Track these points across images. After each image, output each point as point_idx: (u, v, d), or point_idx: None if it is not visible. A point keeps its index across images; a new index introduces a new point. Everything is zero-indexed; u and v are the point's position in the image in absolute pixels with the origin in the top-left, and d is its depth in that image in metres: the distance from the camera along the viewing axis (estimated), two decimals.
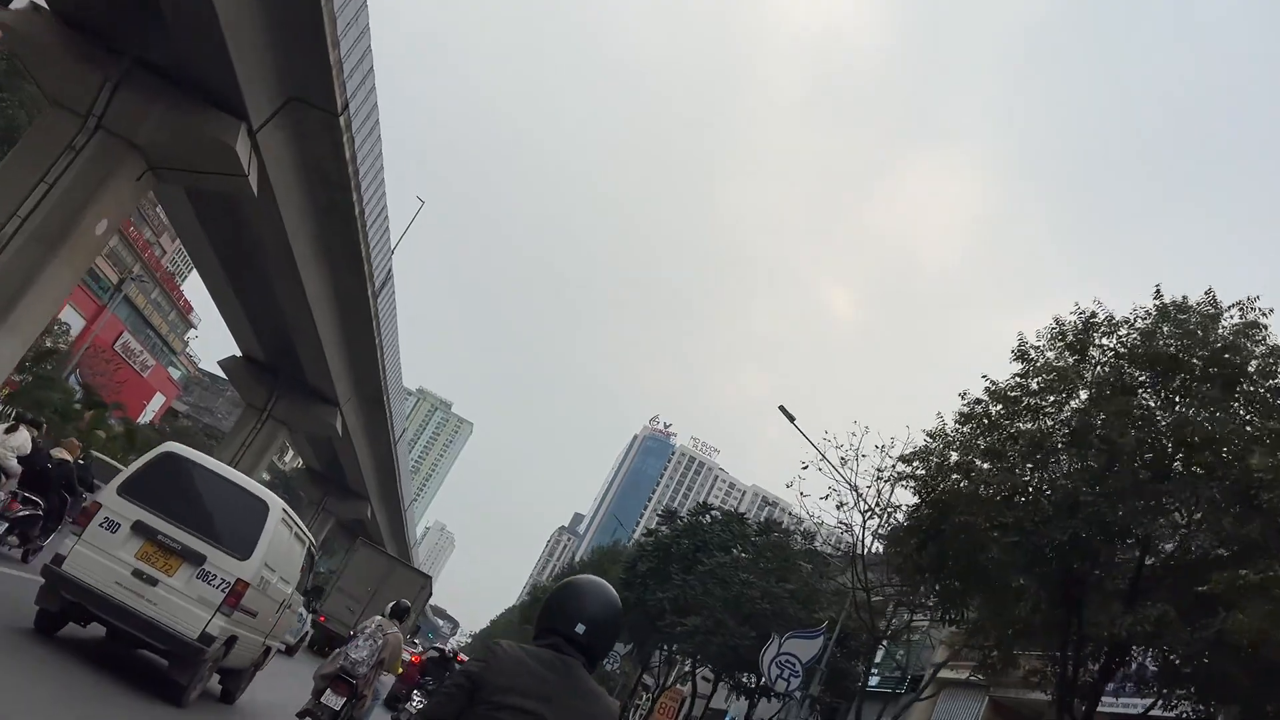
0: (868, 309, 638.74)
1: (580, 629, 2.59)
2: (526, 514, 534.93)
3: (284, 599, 10.49)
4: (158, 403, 69.64)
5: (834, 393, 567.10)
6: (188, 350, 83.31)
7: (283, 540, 9.59)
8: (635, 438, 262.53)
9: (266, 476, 69.12)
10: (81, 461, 21.98)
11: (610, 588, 2.72)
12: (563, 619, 2.62)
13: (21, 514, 11.98)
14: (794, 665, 22.06)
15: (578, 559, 66.63)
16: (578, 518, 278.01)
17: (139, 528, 8.50)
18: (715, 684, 34.86)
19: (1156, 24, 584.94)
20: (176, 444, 9.72)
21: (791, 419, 22.95)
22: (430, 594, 29.74)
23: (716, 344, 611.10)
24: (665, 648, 38.30)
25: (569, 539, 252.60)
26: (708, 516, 39.10)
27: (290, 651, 20.39)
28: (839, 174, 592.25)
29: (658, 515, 44.25)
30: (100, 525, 8.50)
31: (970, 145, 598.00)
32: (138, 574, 8.35)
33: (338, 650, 9.76)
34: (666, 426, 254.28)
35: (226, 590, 8.51)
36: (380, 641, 9.64)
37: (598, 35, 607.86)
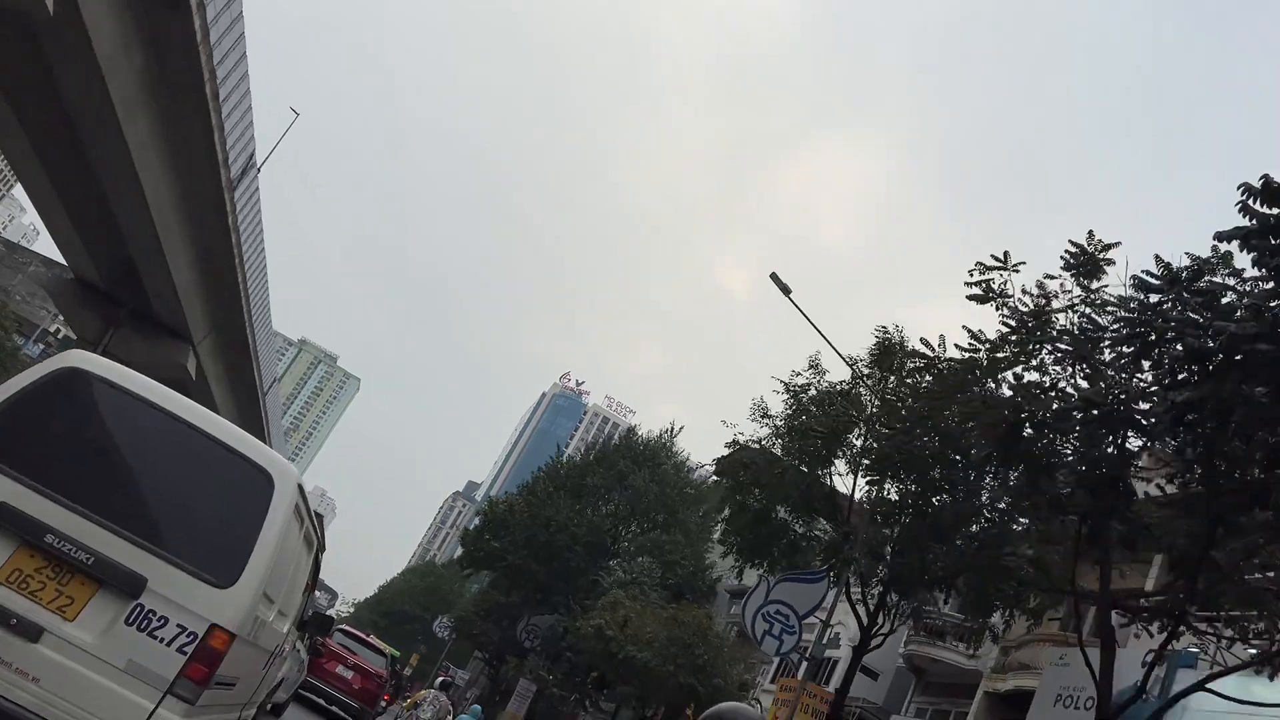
0: (765, 288, 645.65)
1: None
2: (416, 480, 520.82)
3: (277, 645, 7.00)
4: None
5: (730, 371, 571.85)
6: None
7: (291, 547, 5.99)
8: (544, 395, 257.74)
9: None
10: None
11: (752, 710, 3.19)
12: None
13: None
14: None
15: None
16: (472, 485, 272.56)
17: (7, 519, 4.89)
18: None
19: (1069, 22, 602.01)
20: (84, 352, 5.70)
21: (786, 291, 17.61)
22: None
23: (616, 318, 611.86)
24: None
25: (464, 505, 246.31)
26: None
27: (276, 711, 15.22)
28: (741, 151, 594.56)
29: None
30: None
31: (876, 129, 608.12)
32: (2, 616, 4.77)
33: (411, 714, 16.41)
34: (579, 384, 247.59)
35: (189, 650, 4.97)
36: (438, 707, 16.57)
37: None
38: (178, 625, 4.99)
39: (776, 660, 31.13)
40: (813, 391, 18.18)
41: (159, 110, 24.16)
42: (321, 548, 8.49)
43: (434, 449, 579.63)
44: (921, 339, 11.83)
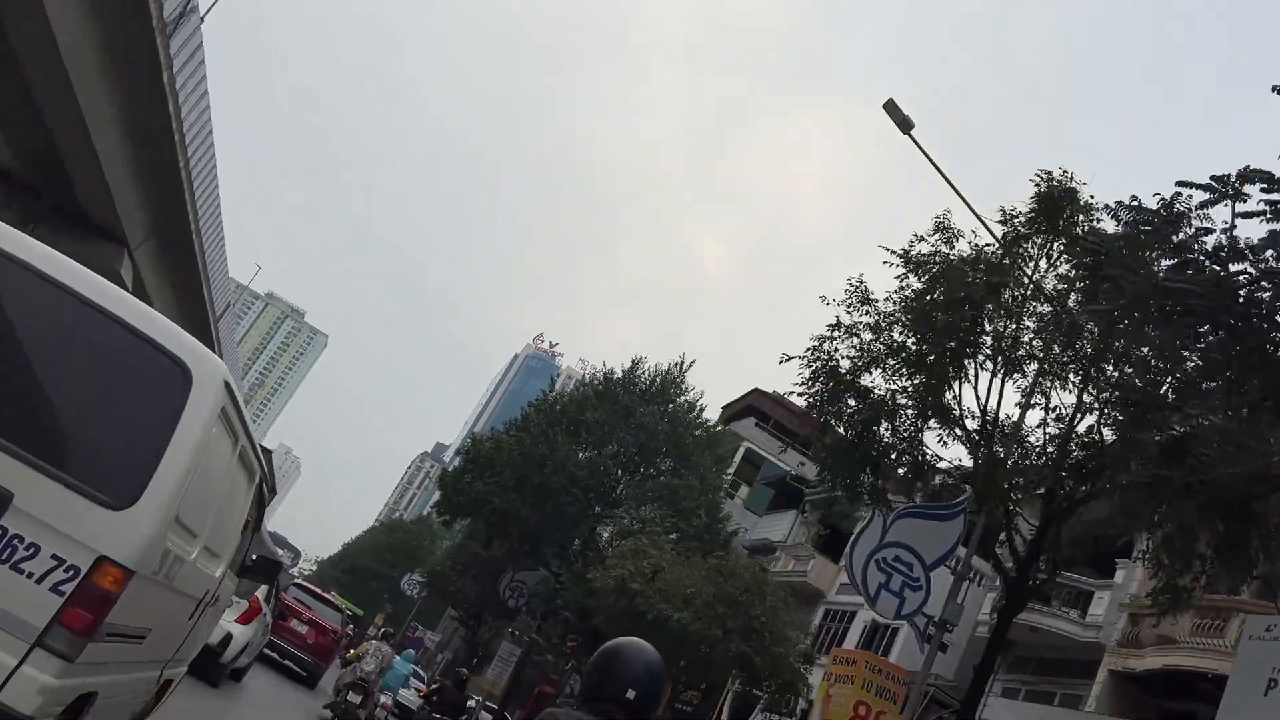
0: (738, 261, 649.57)
1: (630, 694, 2.77)
2: (383, 439, 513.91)
3: (207, 592, 5.77)
4: None
5: (704, 344, 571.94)
6: None
7: (217, 465, 4.78)
8: (516, 357, 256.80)
9: None
10: None
11: (650, 647, 2.89)
12: (611, 685, 2.79)
13: None
14: None
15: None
16: (440, 447, 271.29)
17: None
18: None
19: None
20: None
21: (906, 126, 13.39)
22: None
23: (591, 287, 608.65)
24: None
25: (432, 466, 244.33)
26: None
27: (237, 675, 14.87)
28: (717, 123, 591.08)
29: None
30: None
31: (852, 102, 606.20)
32: None
33: (354, 666, 16.40)
34: (552, 346, 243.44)
35: (68, 589, 3.87)
36: (380, 657, 16.59)
37: None
38: (53, 557, 3.85)
39: (817, 622, 26.46)
40: (938, 267, 13.23)
41: None
42: (267, 482, 7.20)
43: (403, 409, 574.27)
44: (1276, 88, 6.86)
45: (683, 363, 33.76)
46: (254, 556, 7.54)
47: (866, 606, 13.96)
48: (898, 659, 21.53)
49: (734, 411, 43.16)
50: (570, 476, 29.69)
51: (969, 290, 11.95)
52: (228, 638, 12.61)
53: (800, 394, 13.84)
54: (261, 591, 13.98)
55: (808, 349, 13.47)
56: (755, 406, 43.00)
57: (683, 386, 32.95)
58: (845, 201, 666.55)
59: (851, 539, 12.36)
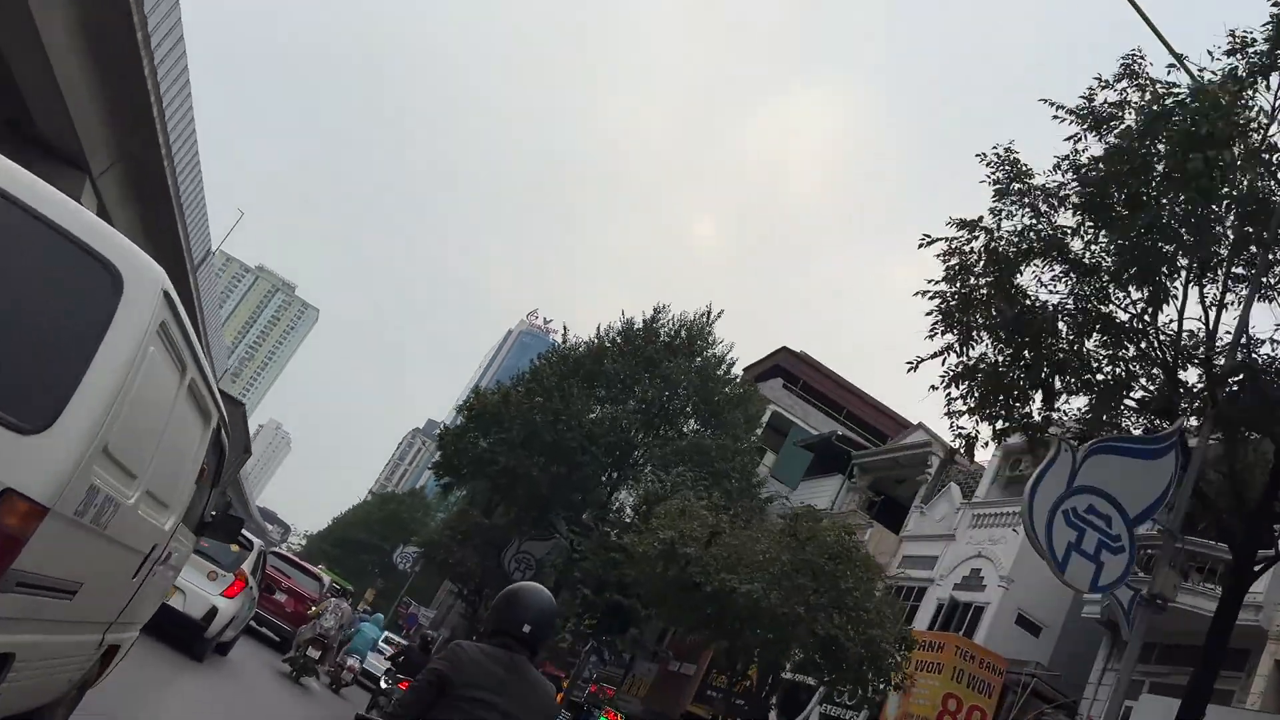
0: (732, 236, 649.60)
1: (526, 629, 3.38)
2: (375, 415, 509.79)
3: (155, 547, 5.06)
4: None
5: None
6: None
7: (157, 391, 4.07)
8: (510, 332, 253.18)
9: None
10: None
11: (546, 590, 3.51)
12: (510, 622, 3.39)
13: None
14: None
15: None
16: (432, 424, 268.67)
17: None
18: None
19: None
20: None
21: None
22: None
23: (584, 265, 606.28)
24: None
25: (424, 442, 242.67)
26: None
27: (223, 649, 14.15)
28: (715, 98, 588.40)
29: None
30: None
31: (849, 76, 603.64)
32: None
33: (313, 623, 17.43)
34: (546, 322, 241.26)
35: None
36: (340, 614, 17.77)
37: None
38: None
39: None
40: (1129, 120, 9.75)
41: None
42: (227, 430, 6.14)
43: (394, 385, 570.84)
44: None
45: (709, 312, 30.25)
46: (214, 512, 6.91)
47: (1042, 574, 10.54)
48: (984, 645, 18.23)
49: (759, 373, 39.78)
50: (588, 434, 26.22)
51: (1213, 129, 8.44)
52: (213, 611, 12.04)
53: (931, 295, 10.40)
54: (248, 564, 13.33)
55: (960, 229, 10.01)
56: (782, 367, 39.75)
57: (710, 338, 29.51)
58: (834, 174, 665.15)
59: (1030, 480, 8.89)
